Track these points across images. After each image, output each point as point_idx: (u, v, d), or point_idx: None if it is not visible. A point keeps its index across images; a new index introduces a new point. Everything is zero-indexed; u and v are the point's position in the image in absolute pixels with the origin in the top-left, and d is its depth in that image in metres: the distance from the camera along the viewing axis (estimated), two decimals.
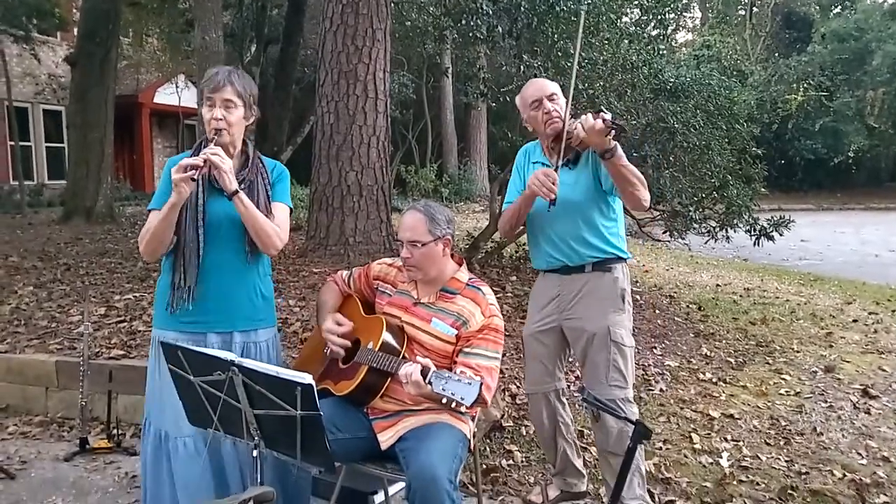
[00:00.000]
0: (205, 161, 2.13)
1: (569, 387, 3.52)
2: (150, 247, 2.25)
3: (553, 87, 2.79)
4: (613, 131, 2.37)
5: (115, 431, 3.48)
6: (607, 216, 2.75)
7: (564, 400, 2.94)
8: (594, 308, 2.72)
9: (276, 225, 2.31)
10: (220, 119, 2.24)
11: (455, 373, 2.02)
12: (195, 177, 2.12)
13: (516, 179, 2.97)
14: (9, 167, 15.17)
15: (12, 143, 13.86)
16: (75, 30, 12.64)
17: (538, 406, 2.92)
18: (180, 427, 2.24)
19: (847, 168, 28.39)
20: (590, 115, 2.42)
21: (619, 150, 2.47)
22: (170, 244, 2.26)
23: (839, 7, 32.06)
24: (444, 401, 1.96)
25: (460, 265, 2.47)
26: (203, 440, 2.25)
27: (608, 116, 2.36)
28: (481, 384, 1.96)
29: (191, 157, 2.26)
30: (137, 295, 5.08)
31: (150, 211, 2.28)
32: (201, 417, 1.98)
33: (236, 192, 2.20)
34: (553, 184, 2.52)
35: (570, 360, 3.06)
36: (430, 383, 2.00)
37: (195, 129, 16.94)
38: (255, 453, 1.92)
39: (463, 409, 1.98)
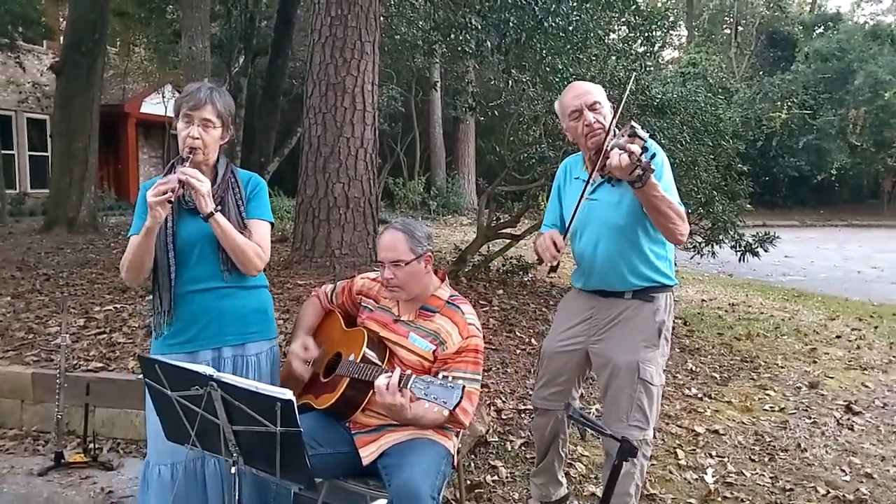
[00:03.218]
0: (180, 182, 2.07)
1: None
2: (132, 273, 2.20)
3: (597, 93, 2.52)
4: (638, 170, 2.10)
5: (91, 446, 3.40)
6: (654, 239, 2.52)
7: None
8: (626, 339, 2.53)
9: (255, 243, 2.25)
10: (197, 138, 2.17)
11: (438, 377, 1.99)
12: (172, 199, 2.06)
13: (554, 200, 2.77)
14: None
15: None
16: (61, 38, 12.58)
17: (546, 421, 2.81)
18: (159, 453, 2.20)
19: (830, 185, 28.76)
20: (623, 138, 2.15)
21: (652, 180, 2.18)
22: (150, 268, 2.22)
23: (822, 27, 32.56)
24: (427, 405, 1.93)
25: (443, 280, 2.45)
26: (180, 469, 2.20)
27: (636, 148, 2.10)
28: (463, 388, 1.93)
29: (164, 175, 2.21)
30: (118, 306, 5.00)
31: (129, 238, 2.23)
32: (178, 433, 1.93)
33: (212, 213, 2.14)
34: (558, 251, 2.36)
35: (587, 379, 2.89)
36: (411, 389, 1.97)
37: None
38: (233, 470, 1.87)
39: (446, 412, 1.94)
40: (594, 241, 2.54)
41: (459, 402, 1.89)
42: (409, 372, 2.06)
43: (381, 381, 2.05)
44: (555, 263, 2.40)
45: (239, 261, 2.22)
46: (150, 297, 2.28)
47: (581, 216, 2.45)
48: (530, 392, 3.62)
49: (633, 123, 2.21)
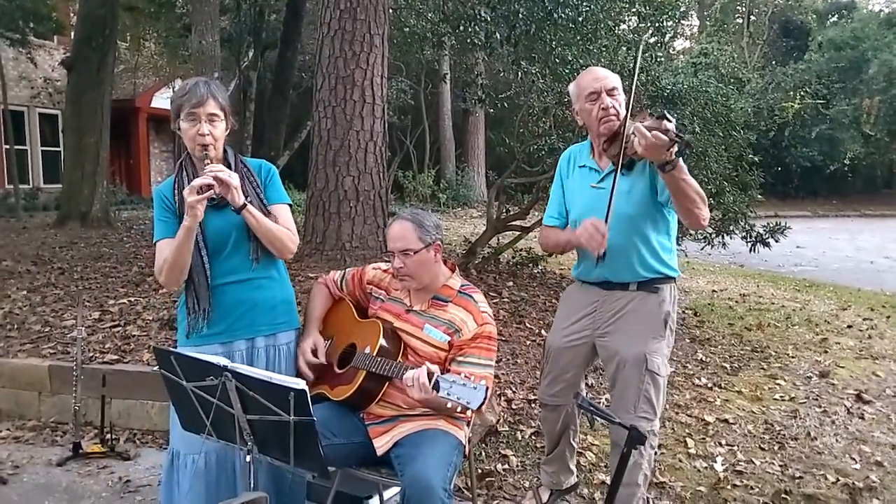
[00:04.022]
0: (213, 178, 2.10)
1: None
2: (173, 276, 2.21)
3: (615, 80, 2.53)
4: (677, 145, 2.06)
5: (108, 436, 3.46)
6: (661, 230, 2.53)
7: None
8: (632, 332, 2.52)
9: (284, 227, 2.30)
10: (207, 134, 2.19)
11: (460, 376, 2.02)
12: (213, 194, 2.10)
13: (557, 188, 2.74)
14: (4, 171, 15.14)
15: (8, 146, 13.84)
16: (72, 34, 12.65)
17: (556, 415, 2.83)
18: (189, 444, 2.22)
19: (843, 175, 28.48)
20: (648, 120, 2.08)
21: (681, 163, 2.17)
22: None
23: (836, 16, 32.15)
24: (450, 405, 1.95)
25: (453, 271, 2.46)
26: (213, 458, 2.24)
27: (671, 126, 2.03)
28: (487, 388, 1.95)
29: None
30: (132, 299, 5.06)
31: (156, 243, 2.25)
32: (194, 423, 1.97)
33: (244, 205, 2.17)
34: (603, 237, 2.33)
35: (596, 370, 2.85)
36: (435, 387, 1.99)
37: None
38: (248, 458, 1.91)
39: (469, 412, 1.96)
40: None
41: (483, 402, 1.91)
42: (433, 369, 2.07)
43: (408, 376, 2.08)
44: (602, 252, 2.36)
45: (274, 247, 2.27)
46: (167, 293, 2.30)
47: (590, 204, 2.45)
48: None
49: (650, 111, 2.17)
